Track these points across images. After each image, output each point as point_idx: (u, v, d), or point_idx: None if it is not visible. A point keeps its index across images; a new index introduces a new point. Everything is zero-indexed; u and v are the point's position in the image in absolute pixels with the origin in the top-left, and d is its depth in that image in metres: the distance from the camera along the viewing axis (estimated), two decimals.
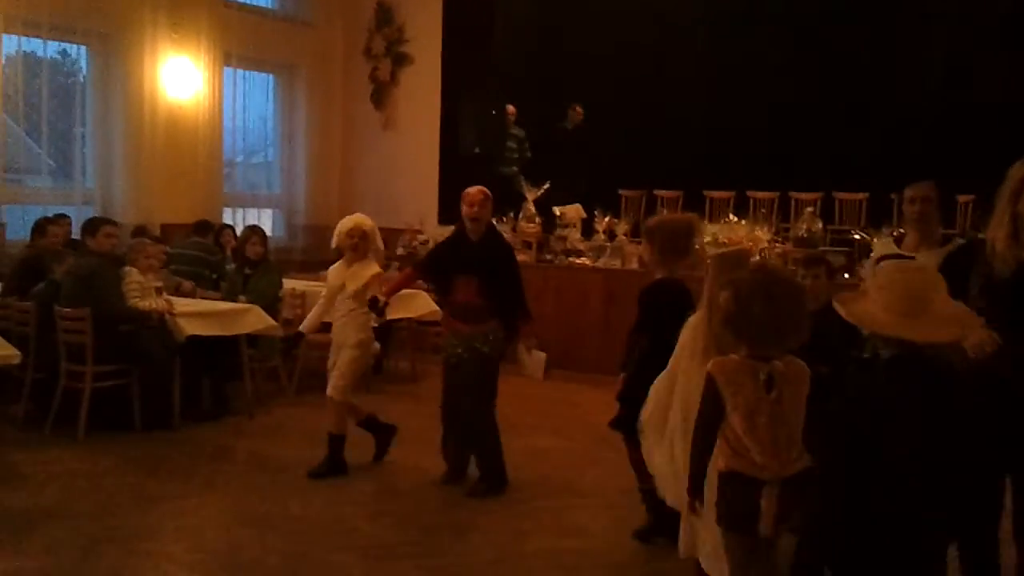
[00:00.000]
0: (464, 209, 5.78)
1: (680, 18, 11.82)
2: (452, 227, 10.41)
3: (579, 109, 12.08)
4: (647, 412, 4.28)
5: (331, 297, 6.16)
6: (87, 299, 6.77)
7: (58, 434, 6.75)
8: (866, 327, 3.20)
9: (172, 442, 6.78)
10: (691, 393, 3.74)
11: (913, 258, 4.41)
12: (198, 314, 7.26)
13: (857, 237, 9.33)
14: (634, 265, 9.60)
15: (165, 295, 7.35)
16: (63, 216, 9.02)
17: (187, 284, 8.48)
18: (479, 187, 5.85)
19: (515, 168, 12.11)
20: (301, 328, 6.42)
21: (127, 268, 7.15)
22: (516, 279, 5.87)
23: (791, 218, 10.59)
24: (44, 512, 5.25)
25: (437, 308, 7.48)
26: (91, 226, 7.26)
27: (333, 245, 6.23)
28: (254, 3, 12.60)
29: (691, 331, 4.05)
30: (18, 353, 6.20)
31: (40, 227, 8.37)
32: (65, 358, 6.84)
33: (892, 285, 3.11)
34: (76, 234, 8.86)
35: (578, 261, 10.23)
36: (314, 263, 11.20)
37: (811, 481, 3.15)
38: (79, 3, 10.16)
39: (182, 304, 7.42)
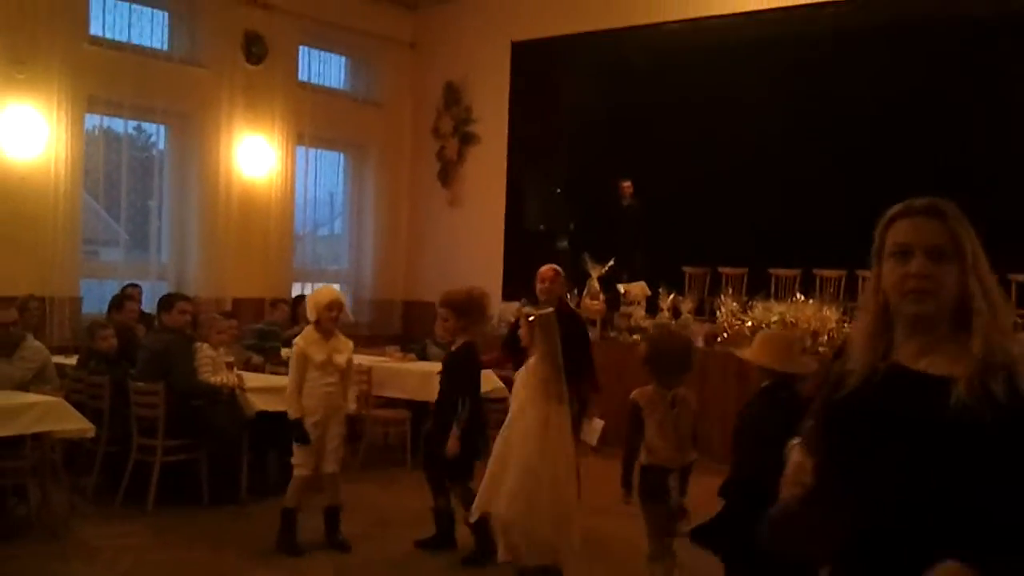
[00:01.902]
0: (537, 286, 6.21)
1: (743, 93, 11.87)
2: (515, 303, 10.57)
3: (628, 184, 12.14)
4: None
5: (304, 371, 5.99)
6: (160, 374, 6.91)
7: (127, 507, 6.84)
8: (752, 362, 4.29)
9: (239, 516, 6.83)
10: (529, 425, 5.07)
11: None
12: (268, 389, 7.35)
13: None
14: (699, 343, 9.54)
15: (236, 370, 7.47)
16: (134, 285, 9.34)
17: (256, 358, 8.62)
18: (551, 265, 6.26)
19: (566, 243, 12.20)
20: (291, 415, 6.00)
21: (199, 344, 7.30)
22: (587, 350, 6.11)
23: (857, 295, 10.48)
24: None
25: (502, 384, 7.49)
26: (166, 302, 7.43)
27: (311, 318, 6.13)
28: (326, 84, 12.96)
29: (521, 381, 5.24)
30: (92, 426, 6.33)
31: (117, 302, 8.61)
32: (137, 432, 6.96)
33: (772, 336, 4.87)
34: (148, 307, 9.14)
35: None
36: (380, 338, 11.33)
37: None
38: (159, 84, 10.55)
39: (252, 379, 7.53)
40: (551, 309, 5.50)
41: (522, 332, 5.46)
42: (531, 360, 5.24)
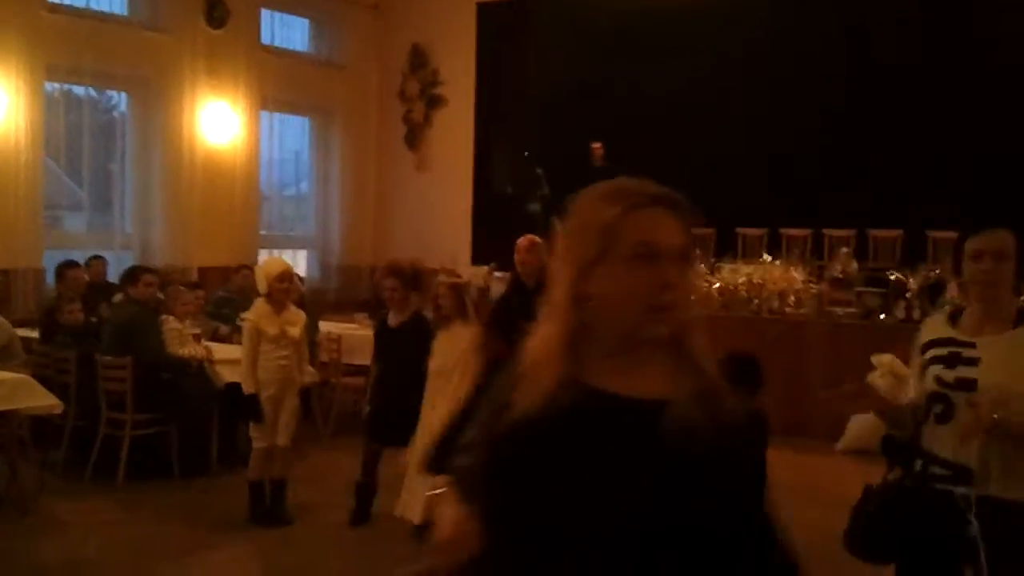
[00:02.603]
0: (515, 257, 6.19)
1: (711, 53, 11.85)
2: (484, 267, 10.58)
3: (598, 146, 12.12)
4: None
5: (257, 345, 5.96)
6: (128, 347, 6.87)
7: (97, 481, 6.82)
8: None
9: (209, 489, 6.82)
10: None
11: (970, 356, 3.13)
12: (236, 360, 7.31)
13: (892, 277, 9.27)
14: None
15: (204, 341, 7.44)
16: (98, 257, 9.26)
17: (223, 328, 8.57)
18: (528, 235, 6.22)
19: (538, 206, 12.16)
20: (247, 389, 5.95)
21: (165, 316, 7.25)
22: None
23: (825, 256, 10.58)
24: (87, 562, 5.32)
25: None
26: (132, 275, 7.37)
27: (261, 290, 6.07)
28: (290, 47, 12.80)
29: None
30: (60, 402, 6.29)
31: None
32: (106, 406, 6.93)
33: None
34: (113, 278, 9.05)
35: None
36: (348, 304, 11.29)
37: None
38: (120, 51, 10.38)
39: (220, 350, 7.50)
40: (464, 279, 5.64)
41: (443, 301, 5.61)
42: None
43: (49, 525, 6.01)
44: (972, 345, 3.09)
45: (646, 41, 12.25)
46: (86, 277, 8.74)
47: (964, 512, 2.95)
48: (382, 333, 6.24)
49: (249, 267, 9.94)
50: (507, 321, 5.85)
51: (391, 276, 6.07)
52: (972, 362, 3.07)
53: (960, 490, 2.97)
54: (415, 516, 5.40)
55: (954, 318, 3.24)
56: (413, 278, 6.12)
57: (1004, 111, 10.37)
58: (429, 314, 6.46)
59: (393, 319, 6.12)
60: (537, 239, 6.22)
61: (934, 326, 3.29)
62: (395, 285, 6.00)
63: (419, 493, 5.31)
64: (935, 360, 3.14)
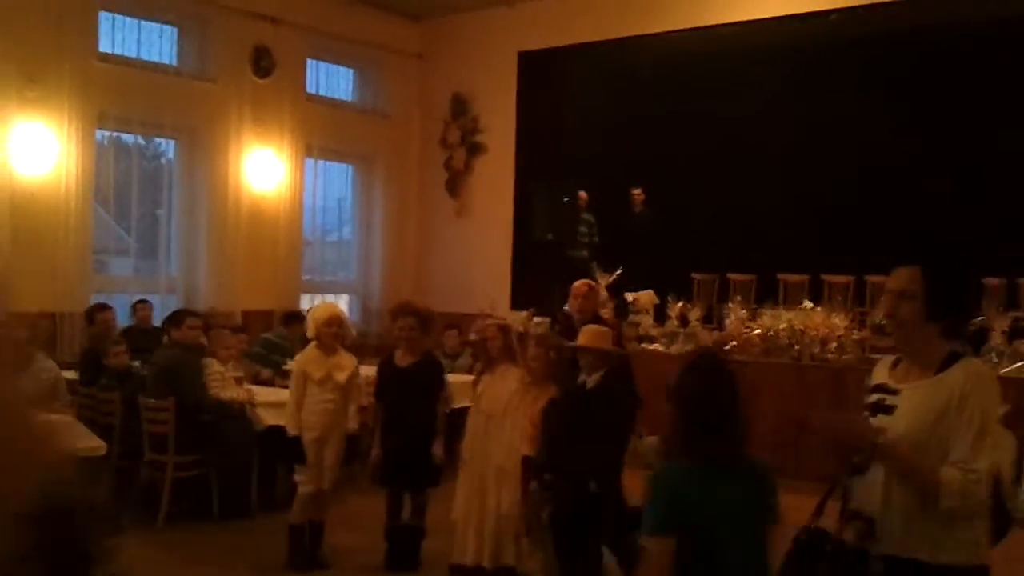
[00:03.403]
0: (571, 302, 6.20)
1: (750, 98, 11.88)
2: (523, 312, 10.60)
3: (638, 192, 12.17)
4: None
5: (304, 389, 6.02)
6: (171, 390, 6.96)
7: (138, 523, 6.87)
8: None
9: (249, 531, 6.87)
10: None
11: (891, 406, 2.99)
12: (278, 404, 7.38)
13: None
14: None
15: (246, 385, 7.52)
16: (144, 301, 9.44)
17: (265, 372, 8.66)
18: (584, 280, 6.28)
19: (585, 253, 12.21)
20: (291, 432, 6.01)
21: (208, 359, 7.35)
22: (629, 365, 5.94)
23: (867, 303, 10.48)
24: None
25: None
26: (176, 318, 7.50)
27: (310, 335, 6.15)
28: (334, 96, 13.02)
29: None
30: (103, 444, 6.36)
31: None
32: (148, 447, 7.01)
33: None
34: (158, 322, 9.17)
35: (651, 347, 10.21)
36: (389, 348, 11.33)
37: None
38: (168, 99, 10.61)
39: (261, 393, 7.57)
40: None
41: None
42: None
43: None
44: (895, 392, 2.97)
45: (685, 87, 12.33)
46: (116, 320, 8.93)
47: (864, 567, 2.85)
48: (389, 373, 6.22)
49: (299, 315, 10.03)
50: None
51: (408, 315, 6.08)
52: (889, 410, 2.95)
53: (861, 544, 2.87)
54: (466, 558, 5.51)
55: (897, 363, 3.09)
56: (427, 320, 6.15)
57: None
58: (440, 356, 6.54)
59: (402, 359, 6.13)
60: (593, 283, 6.36)
61: (879, 371, 3.15)
62: (413, 324, 6.02)
63: (470, 536, 5.48)
64: (867, 407, 3.05)
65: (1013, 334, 9.01)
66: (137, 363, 7.93)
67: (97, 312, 8.74)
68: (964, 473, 2.72)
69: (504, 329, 5.88)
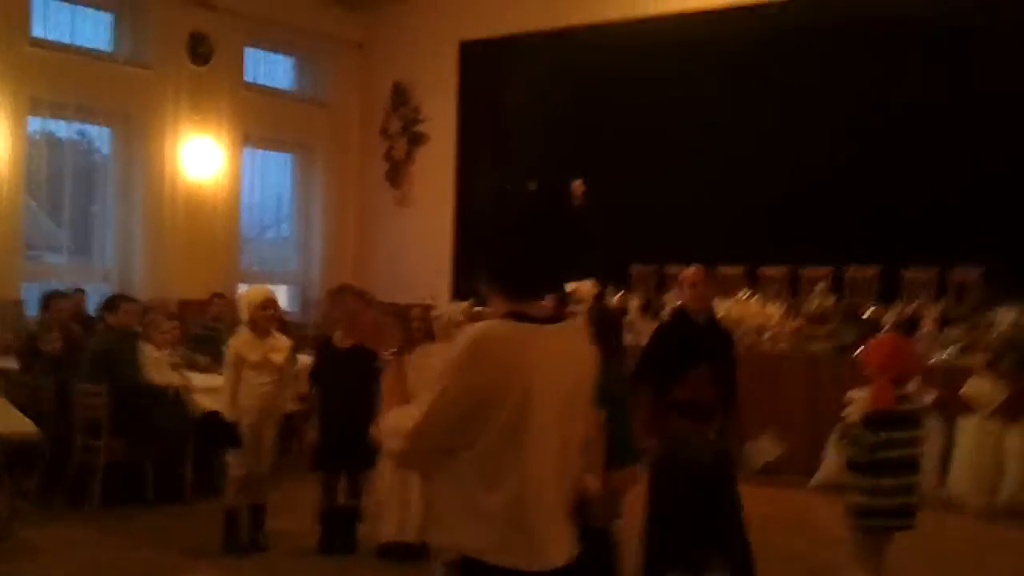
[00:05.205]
0: (686, 292, 5.43)
1: (690, 93, 12.02)
2: (465, 302, 10.61)
3: (579, 184, 12.20)
4: None
5: (239, 373, 5.94)
6: (105, 374, 6.86)
7: (71, 508, 6.79)
8: None
9: (183, 516, 6.81)
10: None
11: None
12: (214, 389, 7.31)
13: (868, 312, 9.36)
14: (645, 341, 9.60)
15: (181, 370, 7.44)
16: (79, 289, 9.22)
17: (203, 359, 8.56)
18: (697, 266, 5.45)
19: None
20: (227, 417, 5.95)
21: (143, 344, 7.26)
22: (735, 370, 5.34)
23: (802, 293, 10.67)
24: None
25: None
26: (111, 303, 7.38)
27: (244, 318, 6.05)
28: (273, 84, 12.92)
29: None
30: (37, 429, 6.26)
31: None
32: (81, 432, 6.91)
33: None
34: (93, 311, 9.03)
35: None
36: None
37: None
38: (103, 86, 10.46)
39: (198, 379, 7.50)
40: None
41: None
42: None
43: (22, 550, 5.96)
44: None
45: (627, 78, 12.41)
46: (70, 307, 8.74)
47: None
48: (327, 355, 6.16)
49: (222, 295, 9.87)
50: (667, 363, 5.18)
51: (355, 296, 6.02)
52: None
53: None
54: (392, 535, 5.54)
55: None
56: (368, 302, 6.09)
57: (984, 151, 10.56)
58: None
59: (341, 340, 6.02)
60: (706, 269, 5.48)
61: None
62: (361, 306, 5.89)
63: (395, 513, 5.48)
64: None
65: (943, 323, 9.27)
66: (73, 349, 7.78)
67: (52, 299, 8.36)
68: None
69: (427, 309, 5.86)
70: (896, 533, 4.53)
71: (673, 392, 4.92)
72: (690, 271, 5.37)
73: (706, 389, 4.86)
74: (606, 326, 4.88)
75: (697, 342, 5.11)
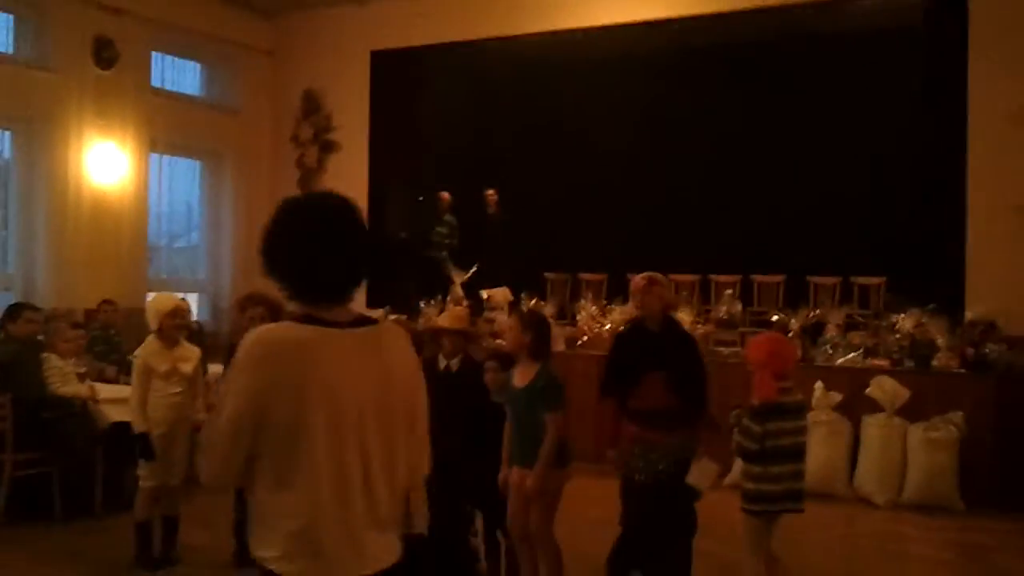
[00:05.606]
0: (634, 301, 5.34)
1: (600, 103, 12.20)
2: (379, 310, 10.57)
3: (492, 192, 12.30)
4: None
5: (148, 383, 5.81)
6: (7, 385, 6.66)
7: None
8: None
9: (93, 530, 6.64)
10: None
11: None
12: (123, 400, 7.13)
13: (775, 318, 9.60)
14: (561, 347, 9.70)
15: (88, 381, 7.25)
16: None
17: (110, 370, 8.37)
18: (646, 274, 5.28)
19: (444, 253, 12.25)
20: (137, 428, 5.78)
21: (47, 354, 7.05)
22: (703, 374, 5.15)
23: (712, 300, 10.91)
24: None
25: None
26: (13, 312, 7.17)
27: (152, 327, 5.89)
28: (181, 90, 12.69)
29: None
30: None
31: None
32: None
33: None
34: None
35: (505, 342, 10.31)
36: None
37: None
38: (2, 88, 10.15)
39: (105, 390, 7.31)
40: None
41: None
42: None
43: None
44: None
45: (539, 90, 12.55)
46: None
47: None
48: None
49: (111, 301, 9.65)
50: (625, 371, 5.14)
51: (257, 305, 5.88)
52: None
53: None
54: None
55: None
56: (277, 309, 5.97)
57: (884, 166, 10.97)
58: None
59: None
60: (655, 276, 5.26)
61: None
62: (263, 314, 5.66)
63: None
64: None
65: (847, 328, 9.58)
66: None
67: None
68: None
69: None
70: (785, 516, 4.72)
71: (629, 402, 4.98)
72: (635, 280, 5.30)
73: (661, 397, 4.85)
74: (540, 329, 4.96)
75: (652, 350, 5.05)
